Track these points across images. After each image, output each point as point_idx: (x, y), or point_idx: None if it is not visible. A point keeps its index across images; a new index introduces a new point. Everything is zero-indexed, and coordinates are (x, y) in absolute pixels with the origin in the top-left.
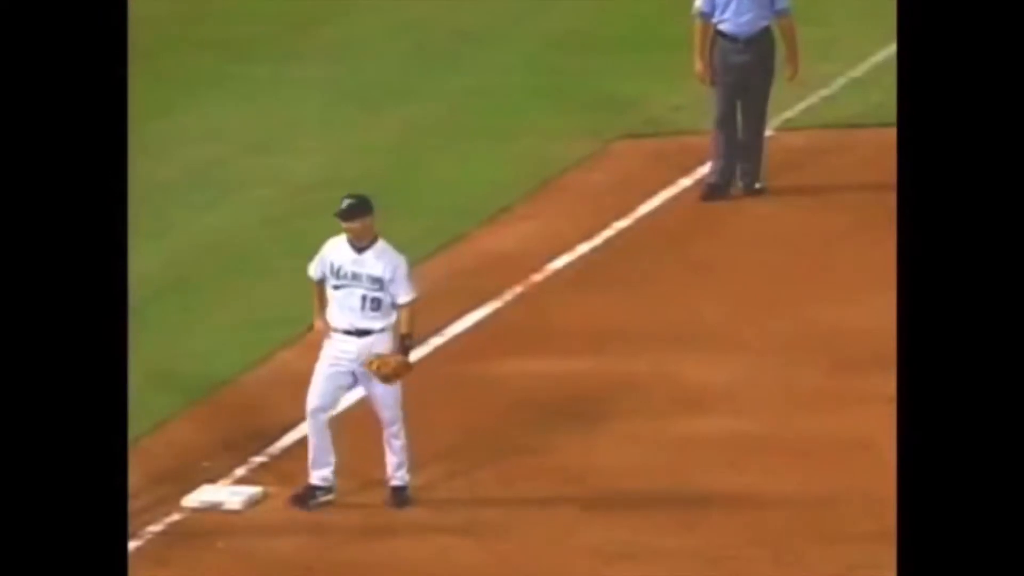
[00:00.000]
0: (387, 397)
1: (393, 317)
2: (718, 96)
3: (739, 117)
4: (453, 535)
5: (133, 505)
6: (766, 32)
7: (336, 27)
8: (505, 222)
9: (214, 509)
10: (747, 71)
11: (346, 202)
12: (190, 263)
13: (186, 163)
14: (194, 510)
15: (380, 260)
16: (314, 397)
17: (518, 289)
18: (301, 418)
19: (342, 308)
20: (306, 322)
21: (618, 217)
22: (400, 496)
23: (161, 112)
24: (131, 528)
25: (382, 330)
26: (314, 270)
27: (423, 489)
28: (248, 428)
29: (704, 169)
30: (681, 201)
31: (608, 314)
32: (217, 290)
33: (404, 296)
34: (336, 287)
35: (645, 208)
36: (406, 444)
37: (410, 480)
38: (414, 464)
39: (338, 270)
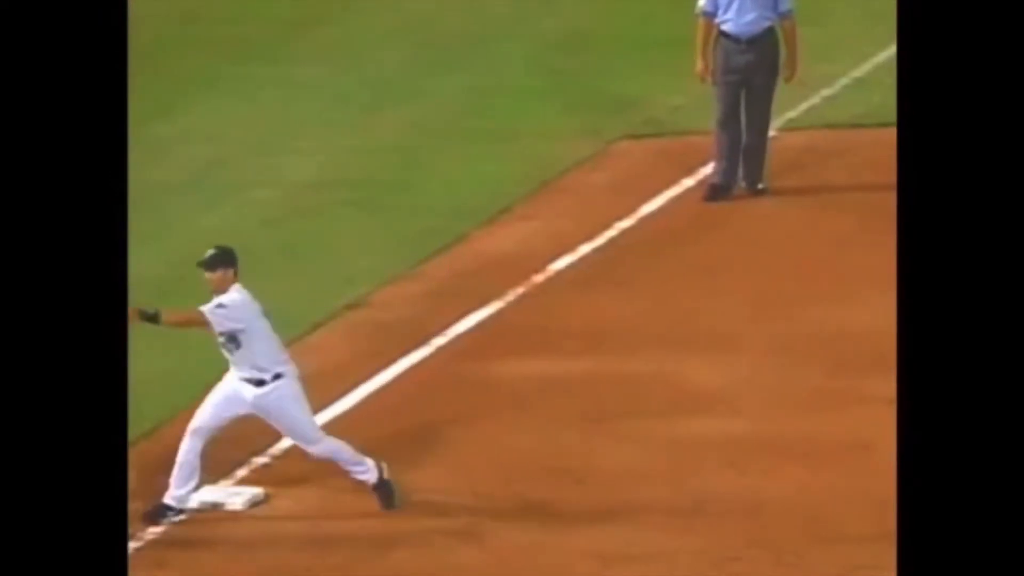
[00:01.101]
0: (284, 428)
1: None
2: (720, 96)
3: (742, 117)
4: (453, 536)
5: (131, 506)
6: (769, 32)
7: (336, 27)
8: (506, 223)
9: (215, 509)
10: (749, 71)
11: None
12: (190, 264)
13: (186, 163)
14: (195, 511)
15: None
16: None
17: (520, 290)
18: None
19: None
20: (307, 323)
21: (620, 217)
22: (385, 490)
23: (161, 112)
24: (130, 530)
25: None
26: None
27: (422, 490)
28: (249, 428)
29: (706, 169)
30: (683, 201)
31: (610, 314)
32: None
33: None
34: None
35: (647, 208)
36: (341, 445)
37: (386, 470)
38: (411, 462)
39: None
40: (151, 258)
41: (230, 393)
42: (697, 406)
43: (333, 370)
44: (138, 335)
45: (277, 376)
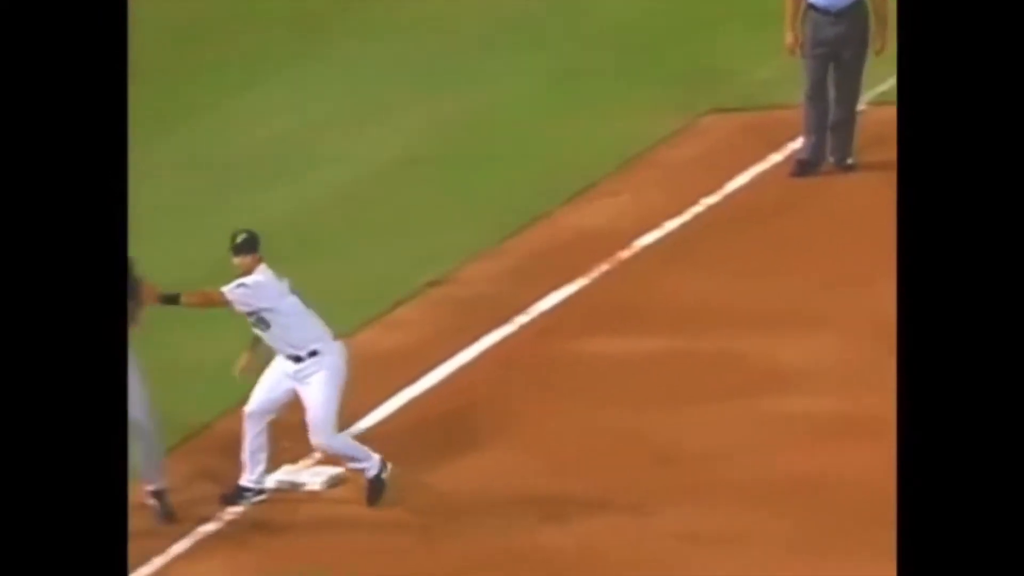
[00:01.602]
0: (307, 406)
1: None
2: (808, 69)
3: (830, 91)
4: (536, 518)
5: (207, 490)
6: (859, 4)
7: (417, 4)
8: (591, 198)
9: (295, 490)
10: (839, 44)
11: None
12: (267, 241)
13: (264, 139)
14: (274, 491)
15: None
16: None
17: (604, 266)
18: (383, 398)
19: None
20: (388, 300)
21: (707, 193)
22: (375, 486)
23: (238, 87)
24: (208, 511)
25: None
26: None
27: (504, 471)
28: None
29: (795, 144)
30: (771, 177)
31: (695, 292)
32: (293, 271)
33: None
34: None
35: (734, 184)
36: (352, 444)
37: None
38: (493, 442)
39: None
40: (224, 237)
41: (276, 373)
42: (783, 384)
43: (415, 348)
44: (215, 316)
45: (313, 353)
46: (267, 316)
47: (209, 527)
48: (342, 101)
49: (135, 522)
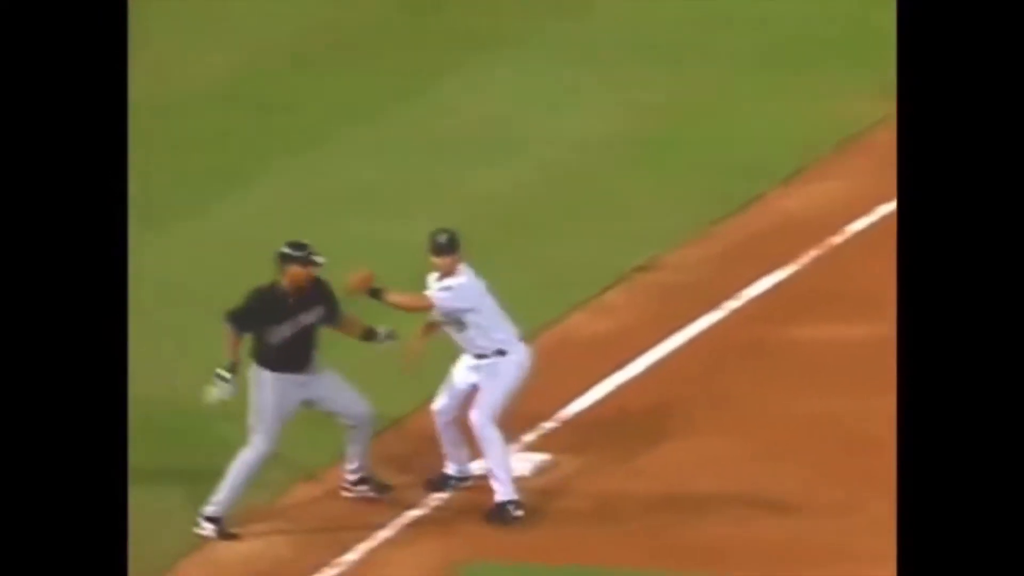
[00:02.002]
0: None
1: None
2: None
3: None
4: (751, 507)
5: (404, 479)
6: None
7: None
8: (803, 182)
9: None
10: None
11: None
12: (469, 228)
13: (468, 121)
14: (480, 477)
15: None
16: None
17: (815, 252)
18: (590, 384)
19: None
20: (595, 285)
21: None
22: (499, 513)
23: (446, 67)
24: (413, 498)
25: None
26: None
27: (716, 458)
28: (537, 392)
29: None
30: None
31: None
32: (500, 254)
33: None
34: None
35: None
36: (501, 446)
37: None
38: (703, 429)
39: None
40: (431, 218)
41: (460, 371)
42: None
43: (621, 334)
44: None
45: (500, 352)
46: (466, 318)
47: (415, 513)
48: (550, 82)
49: (337, 507)
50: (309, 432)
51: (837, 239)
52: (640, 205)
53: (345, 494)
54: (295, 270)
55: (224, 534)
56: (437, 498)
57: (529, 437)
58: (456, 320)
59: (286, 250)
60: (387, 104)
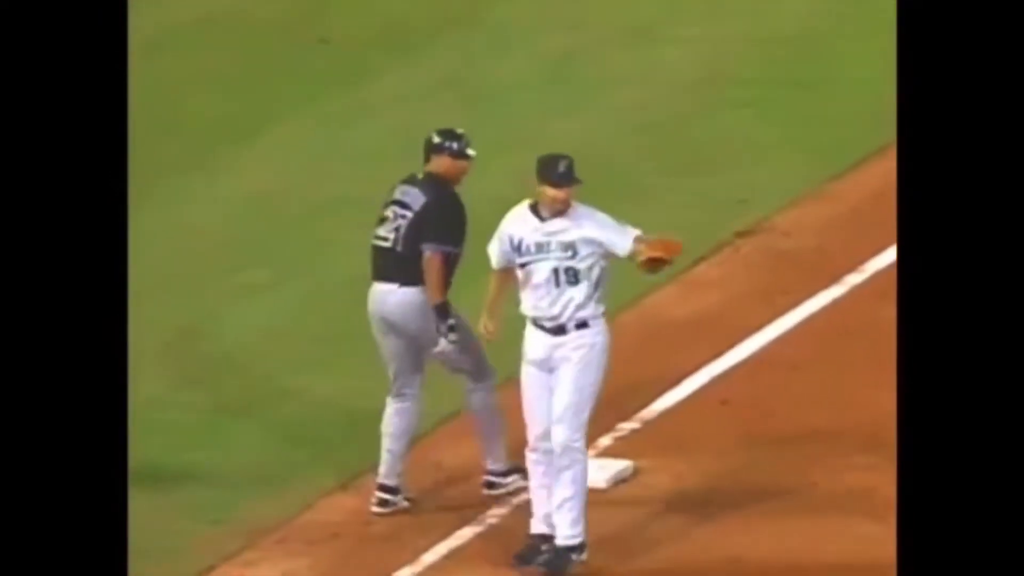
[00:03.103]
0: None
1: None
2: None
3: None
4: (861, 511)
5: (474, 481)
6: None
7: None
8: None
9: None
10: None
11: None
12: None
13: (538, 57)
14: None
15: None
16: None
17: None
18: (682, 375)
19: (536, 295)
20: (690, 254)
21: None
22: (558, 561)
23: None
24: (471, 512)
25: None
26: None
27: (832, 461)
28: (615, 386)
29: None
30: None
31: None
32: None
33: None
34: (523, 265)
35: None
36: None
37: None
38: (818, 426)
39: (519, 244)
40: (494, 173)
41: (534, 384)
42: None
43: (722, 312)
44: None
45: (582, 325)
46: (585, 265)
47: (471, 530)
48: (628, 9)
49: (376, 523)
50: (337, 431)
51: None
52: (743, 157)
53: (488, 492)
54: (450, 162)
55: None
56: (493, 515)
57: (605, 440)
58: (570, 271)
59: (437, 139)
60: (445, 39)
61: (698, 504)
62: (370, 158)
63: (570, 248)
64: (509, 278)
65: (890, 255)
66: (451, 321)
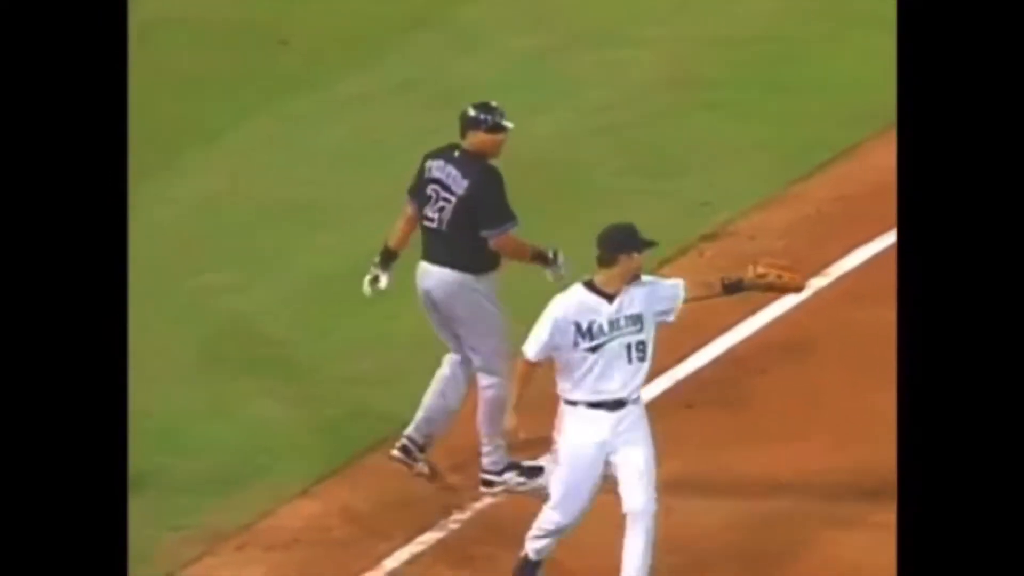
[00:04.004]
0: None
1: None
2: None
3: None
4: (820, 518)
5: (435, 487)
6: None
7: None
8: None
9: (536, 493)
10: None
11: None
12: (515, 181)
13: (500, 57)
14: (510, 492)
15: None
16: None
17: None
18: (649, 377)
19: (603, 375)
20: (654, 256)
21: None
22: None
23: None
24: (432, 518)
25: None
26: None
27: (801, 468)
28: None
29: None
30: None
31: None
32: (535, 215)
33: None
34: (592, 350)
35: None
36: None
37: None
38: (787, 435)
39: (589, 329)
40: None
41: (585, 458)
42: None
43: (686, 316)
44: None
45: (636, 399)
46: (651, 336)
47: (432, 535)
48: (594, 9)
49: (336, 529)
50: (299, 436)
51: None
52: (708, 158)
53: (485, 489)
54: (485, 137)
55: (530, 469)
56: (455, 520)
57: None
58: (651, 338)
59: (472, 112)
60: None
61: (662, 507)
62: (333, 160)
63: (638, 321)
64: (538, 370)
65: (856, 258)
66: (551, 255)
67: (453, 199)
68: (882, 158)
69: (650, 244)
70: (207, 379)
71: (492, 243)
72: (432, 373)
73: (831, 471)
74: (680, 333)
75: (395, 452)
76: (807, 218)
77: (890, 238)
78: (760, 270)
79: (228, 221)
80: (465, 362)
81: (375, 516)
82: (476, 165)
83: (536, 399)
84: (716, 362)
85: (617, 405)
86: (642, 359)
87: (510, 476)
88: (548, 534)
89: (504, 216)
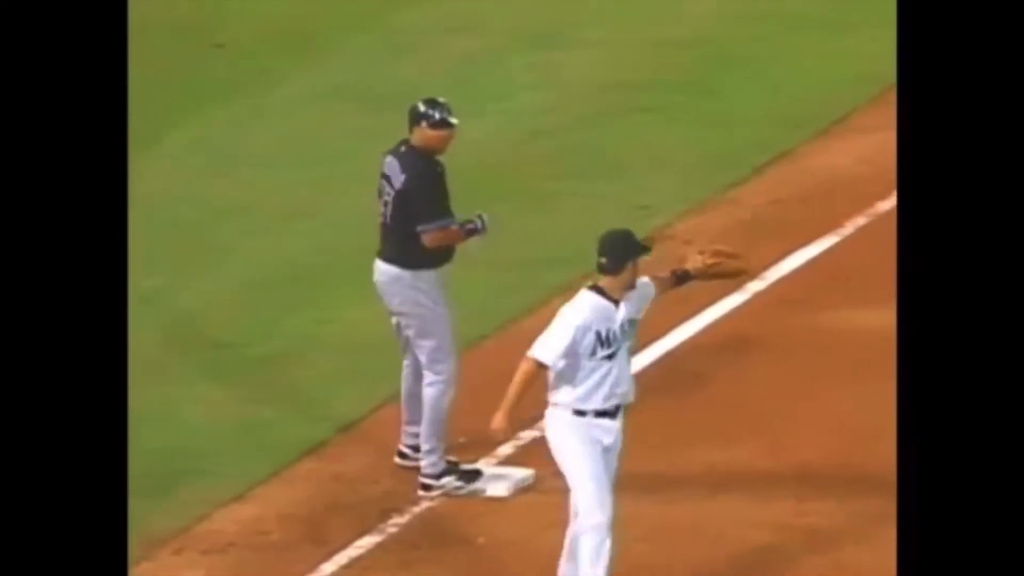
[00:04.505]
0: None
1: None
2: None
3: None
4: (775, 530)
5: (372, 491)
6: None
7: None
8: (842, 135)
9: (474, 496)
10: None
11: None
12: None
13: (438, 59)
14: (448, 497)
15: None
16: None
17: (860, 220)
18: None
19: (618, 382)
20: (587, 260)
21: None
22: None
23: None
24: (370, 522)
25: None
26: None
27: (740, 473)
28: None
29: None
30: None
31: None
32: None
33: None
34: (609, 357)
35: None
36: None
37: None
38: (722, 438)
39: (608, 336)
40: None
41: (592, 454)
42: None
43: None
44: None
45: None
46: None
47: (370, 539)
48: (527, 12)
49: (274, 532)
50: (233, 440)
51: (886, 205)
52: (642, 162)
53: (423, 493)
54: (429, 133)
55: (468, 473)
56: (393, 524)
57: (506, 449)
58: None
59: (419, 107)
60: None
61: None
62: (269, 163)
63: (634, 325)
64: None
65: (792, 261)
66: (479, 223)
67: (393, 193)
68: (817, 161)
69: (648, 249)
70: (142, 382)
71: (424, 239)
72: (370, 376)
73: (766, 474)
74: None
75: (397, 460)
76: (743, 222)
77: (828, 241)
78: (708, 260)
79: (163, 224)
80: (411, 362)
81: (312, 520)
82: (416, 160)
83: (469, 400)
84: (652, 365)
85: (618, 411)
86: (629, 361)
87: (448, 480)
88: (601, 539)
89: (437, 212)
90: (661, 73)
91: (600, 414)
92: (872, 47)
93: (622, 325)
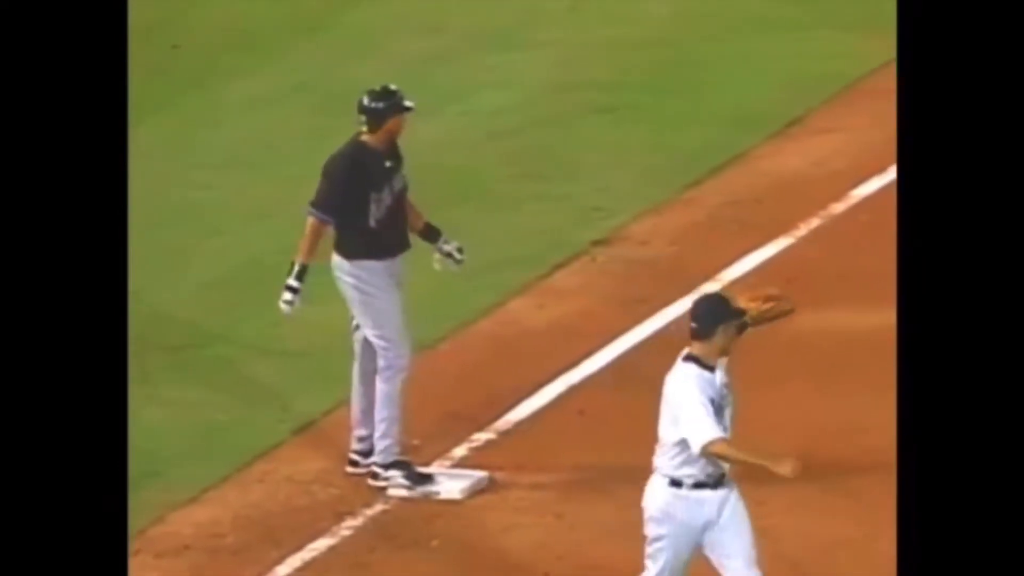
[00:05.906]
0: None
1: None
2: None
3: None
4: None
5: (327, 493)
6: None
7: None
8: (797, 136)
9: (428, 498)
10: None
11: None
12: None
13: (396, 60)
14: (403, 499)
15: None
16: None
17: (815, 222)
18: (537, 385)
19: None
20: (545, 262)
21: None
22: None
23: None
24: (325, 524)
25: None
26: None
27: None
28: (470, 397)
29: None
30: None
31: None
32: (432, 221)
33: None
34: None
35: None
36: None
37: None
38: (615, 449)
39: (719, 405)
40: None
41: (684, 540)
42: None
43: (577, 322)
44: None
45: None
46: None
47: (324, 541)
48: (485, 13)
49: (232, 536)
50: (188, 443)
51: (841, 206)
52: (600, 162)
53: (371, 482)
54: (390, 122)
55: (419, 475)
56: (347, 527)
57: (460, 451)
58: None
59: (371, 102)
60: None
61: (554, 514)
62: (225, 164)
63: (730, 389)
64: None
65: (747, 263)
66: (292, 282)
67: None
68: (773, 163)
69: (741, 313)
70: None
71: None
72: (325, 378)
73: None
74: (573, 340)
75: (348, 468)
76: (698, 223)
77: (782, 243)
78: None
79: None
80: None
81: (267, 522)
82: (342, 149)
83: (423, 403)
84: (607, 368)
85: (721, 481)
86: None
87: (394, 474)
88: None
89: (317, 200)
90: (619, 74)
91: (697, 485)
92: (828, 48)
93: (722, 391)
